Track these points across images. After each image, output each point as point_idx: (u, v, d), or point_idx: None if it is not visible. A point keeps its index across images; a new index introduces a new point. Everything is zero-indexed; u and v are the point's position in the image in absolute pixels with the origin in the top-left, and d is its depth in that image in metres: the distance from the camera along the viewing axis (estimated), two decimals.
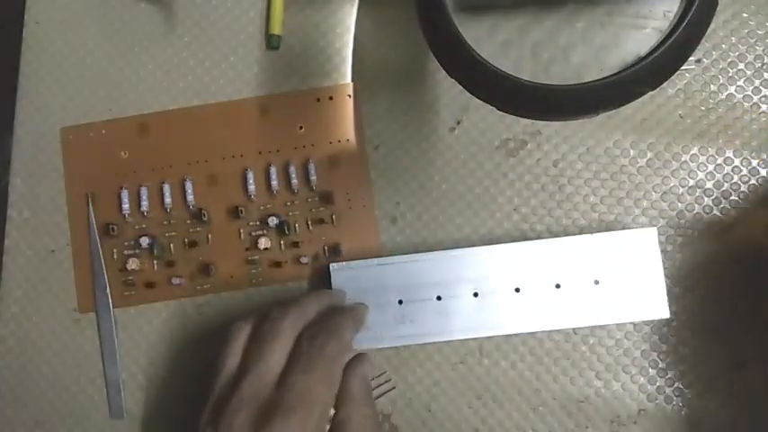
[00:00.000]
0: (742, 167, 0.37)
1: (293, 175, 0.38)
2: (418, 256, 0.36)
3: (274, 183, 0.38)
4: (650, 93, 0.27)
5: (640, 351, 0.36)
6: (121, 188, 0.39)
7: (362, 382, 0.33)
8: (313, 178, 0.38)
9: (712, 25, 0.27)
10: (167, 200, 0.38)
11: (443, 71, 0.28)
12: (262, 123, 0.39)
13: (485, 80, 0.26)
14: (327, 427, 0.31)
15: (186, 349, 0.38)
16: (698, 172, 0.37)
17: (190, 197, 0.38)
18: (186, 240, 0.38)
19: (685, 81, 0.38)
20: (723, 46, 0.38)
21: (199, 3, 0.40)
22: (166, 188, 0.38)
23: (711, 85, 0.38)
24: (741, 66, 0.37)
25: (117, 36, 0.40)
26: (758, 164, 0.37)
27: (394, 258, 0.36)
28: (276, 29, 0.39)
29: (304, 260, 0.38)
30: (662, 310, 0.35)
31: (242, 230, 0.38)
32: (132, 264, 0.38)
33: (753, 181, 0.37)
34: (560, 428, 0.36)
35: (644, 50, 0.26)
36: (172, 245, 0.38)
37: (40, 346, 0.38)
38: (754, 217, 0.31)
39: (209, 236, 0.38)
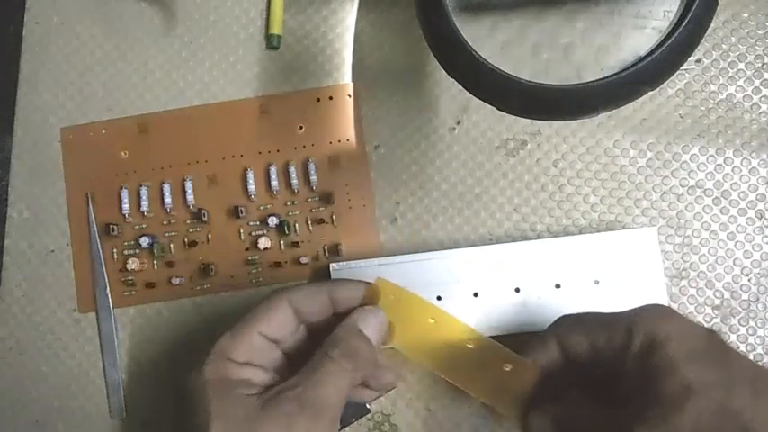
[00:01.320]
0: (742, 167, 0.37)
1: (293, 175, 0.38)
2: (418, 256, 0.36)
3: (274, 183, 0.38)
4: (650, 93, 0.27)
5: None
6: (121, 188, 0.39)
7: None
8: (313, 178, 0.38)
9: (712, 25, 0.27)
10: (167, 200, 0.38)
11: (443, 71, 0.28)
12: (262, 123, 0.39)
13: (485, 80, 0.26)
14: None
15: (186, 349, 0.38)
16: (698, 172, 0.37)
17: (190, 197, 0.38)
18: (186, 240, 0.38)
19: (685, 81, 0.38)
20: (723, 46, 0.38)
21: (199, 3, 0.40)
22: (166, 188, 0.38)
23: (711, 85, 0.38)
24: (741, 66, 0.37)
25: (117, 36, 0.40)
26: (758, 164, 0.37)
27: (394, 258, 0.36)
28: (276, 29, 0.39)
29: (304, 260, 0.38)
30: None
31: (242, 230, 0.38)
32: (132, 264, 0.38)
33: (753, 181, 0.37)
34: None
35: (644, 50, 0.26)
36: (172, 245, 0.38)
37: (40, 346, 0.38)
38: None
39: (209, 236, 0.38)
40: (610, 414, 0.28)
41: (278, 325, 0.30)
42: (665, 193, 0.37)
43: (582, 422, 0.29)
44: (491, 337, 0.36)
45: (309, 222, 0.38)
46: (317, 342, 0.31)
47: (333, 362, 0.29)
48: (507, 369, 0.31)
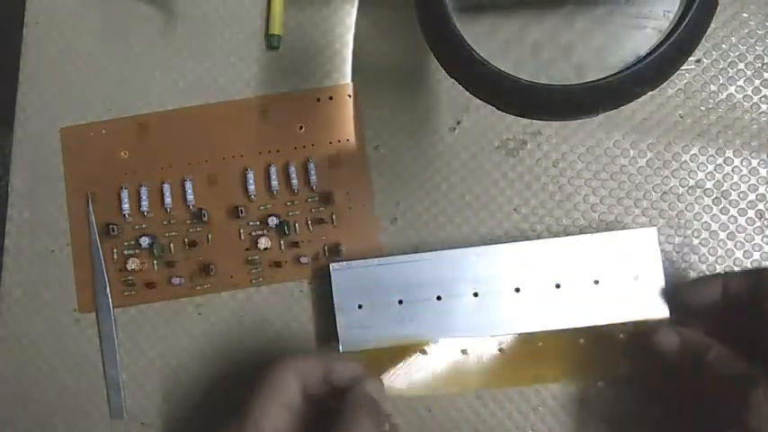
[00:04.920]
0: (742, 167, 0.37)
1: (293, 175, 0.38)
2: (418, 256, 0.36)
3: (274, 183, 0.38)
4: (650, 93, 0.27)
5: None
6: (121, 188, 0.39)
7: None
8: (313, 178, 0.38)
9: (712, 25, 0.27)
10: (167, 200, 0.38)
11: (443, 71, 0.28)
12: (262, 123, 0.39)
13: (485, 80, 0.26)
14: None
15: (186, 349, 0.38)
16: (698, 172, 0.37)
17: (190, 197, 0.38)
18: (186, 240, 0.38)
19: (685, 81, 0.38)
20: (723, 46, 0.38)
21: (199, 3, 0.40)
22: (166, 188, 0.38)
23: (711, 85, 0.38)
24: (741, 66, 0.38)
25: (117, 36, 0.40)
26: (758, 164, 0.37)
27: (394, 258, 0.36)
28: (276, 29, 0.39)
29: (304, 260, 0.38)
30: (662, 310, 0.35)
31: (242, 230, 0.38)
32: (132, 264, 0.38)
33: (753, 181, 0.37)
34: (560, 428, 0.36)
35: (644, 50, 0.26)
36: (172, 245, 0.38)
37: (40, 346, 0.38)
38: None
39: (209, 236, 0.38)
40: (737, 364, 0.30)
41: (290, 393, 0.31)
42: (665, 193, 0.37)
43: (706, 352, 0.31)
44: (491, 336, 0.37)
45: (309, 222, 0.38)
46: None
47: (359, 426, 0.29)
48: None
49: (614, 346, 0.35)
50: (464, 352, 0.36)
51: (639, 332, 0.35)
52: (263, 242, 0.38)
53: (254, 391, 0.30)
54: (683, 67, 0.29)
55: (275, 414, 0.30)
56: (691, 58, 0.28)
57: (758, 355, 0.30)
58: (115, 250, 0.38)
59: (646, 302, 0.35)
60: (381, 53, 0.39)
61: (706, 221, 0.37)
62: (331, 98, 0.39)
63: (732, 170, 0.37)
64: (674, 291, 0.34)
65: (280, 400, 0.30)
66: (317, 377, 0.31)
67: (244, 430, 0.29)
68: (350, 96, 0.39)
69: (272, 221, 0.38)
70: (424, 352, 0.36)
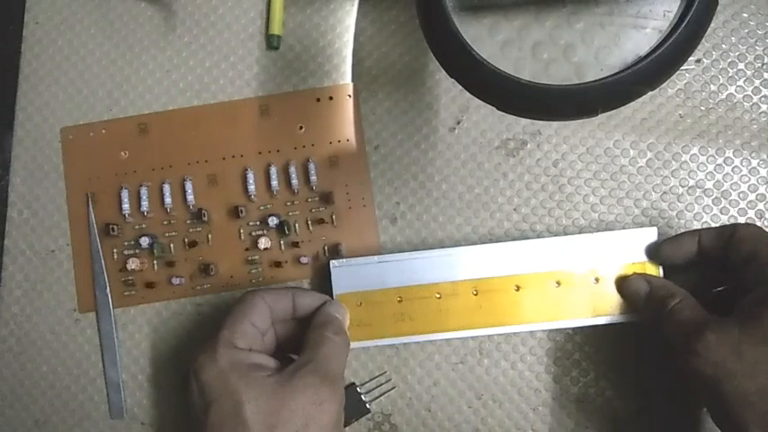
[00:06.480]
0: (742, 167, 0.37)
1: (293, 175, 0.38)
2: (419, 254, 0.36)
3: (274, 183, 0.38)
4: (650, 93, 0.27)
5: (640, 351, 0.36)
6: (121, 188, 0.39)
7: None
8: (313, 178, 0.38)
9: (712, 25, 0.27)
10: (167, 200, 0.38)
11: (443, 71, 0.28)
12: (262, 123, 0.39)
13: (485, 80, 0.26)
14: None
15: (186, 349, 0.38)
16: (698, 172, 0.37)
17: (190, 197, 0.38)
18: (186, 240, 0.38)
19: (685, 81, 0.38)
20: (723, 46, 0.38)
21: (199, 3, 0.40)
22: (166, 188, 0.38)
23: (711, 85, 0.38)
24: (741, 66, 0.38)
25: (117, 36, 0.40)
26: (758, 164, 0.37)
27: (394, 256, 0.36)
28: (276, 29, 0.39)
29: (304, 260, 0.38)
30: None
31: (242, 230, 0.38)
32: (132, 264, 0.38)
33: (753, 181, 0.37)
34: (560, 428, 0.36)
35: (644, 50, 0.26)
36: (172, 245, 0.38)
37: (40, 346, 0.38)
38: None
39: (209, 236, 0.38)
40: (696, 312, 0.31)
41: (260, 316, 0.33)
42: (665, 193, 0.37)
43: (670, 299, 0.32)
44: (490, 336, 0.37)
45: (309, 222, 0.38)
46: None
47: (331, 339, 0.32)
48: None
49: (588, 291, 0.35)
50: (438, 296, 0.36)
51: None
52: (263, 242, 0.38)
53: (228, 313, 0.33)
54: (683, 67, 0.29)
55: (246, 330, 0.32)
56: (691, 58, 0.28)
57: (722, 305, 0.31)
58: (115, 250, 0.38)
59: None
60: (381, 53, 0.39)
61: (706, 221, 0.37)
62: (331, 98, 0.39)
63: (732, 170, 0.37)
64: (658, 247, 0.34)
65: (250, 318, 0.32)
66: (285, 305, 0.34)
67: (218, 341, 0.31)
68: (350, 96, 0.39)
69: (272, 221, 0.38)
70: (400, 300, 0.36)
